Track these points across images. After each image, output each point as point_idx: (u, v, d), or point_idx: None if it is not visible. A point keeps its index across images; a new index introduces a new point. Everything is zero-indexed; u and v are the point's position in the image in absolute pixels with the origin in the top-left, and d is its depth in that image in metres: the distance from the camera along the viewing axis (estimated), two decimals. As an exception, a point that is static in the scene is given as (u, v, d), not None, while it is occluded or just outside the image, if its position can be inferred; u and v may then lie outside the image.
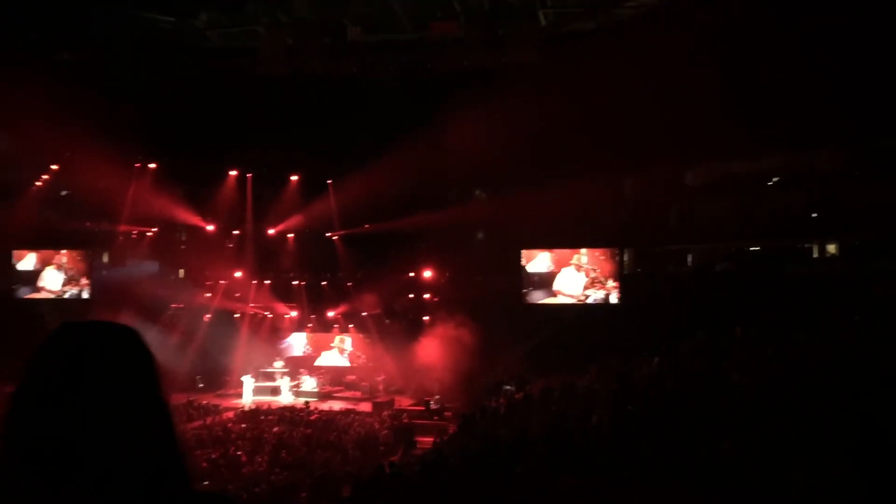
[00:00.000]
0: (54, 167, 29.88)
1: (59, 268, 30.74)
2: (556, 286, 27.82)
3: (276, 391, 28.84)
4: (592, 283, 27.53)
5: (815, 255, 27.29)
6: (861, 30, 17.84)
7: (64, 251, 30.81)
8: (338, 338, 32.97)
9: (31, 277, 30.84)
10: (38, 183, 30.08)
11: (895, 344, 10.34)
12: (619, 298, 27.31)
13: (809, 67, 18.24)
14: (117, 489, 1.36)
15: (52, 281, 30.71)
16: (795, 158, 25.88)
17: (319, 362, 32.32)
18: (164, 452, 1.45)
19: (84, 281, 30.62)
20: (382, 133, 25.89)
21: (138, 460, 1.39)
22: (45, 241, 30.70)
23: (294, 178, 32.20)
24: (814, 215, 26.16)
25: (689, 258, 29.94)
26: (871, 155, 24.12)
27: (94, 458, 1.36)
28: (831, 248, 26.87)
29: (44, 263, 30.92)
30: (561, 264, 28.09)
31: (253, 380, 28.61)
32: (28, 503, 1.34)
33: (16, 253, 31.34)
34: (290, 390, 28.97)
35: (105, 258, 32.35)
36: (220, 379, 30.18)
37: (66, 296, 30.45)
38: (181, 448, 1.49)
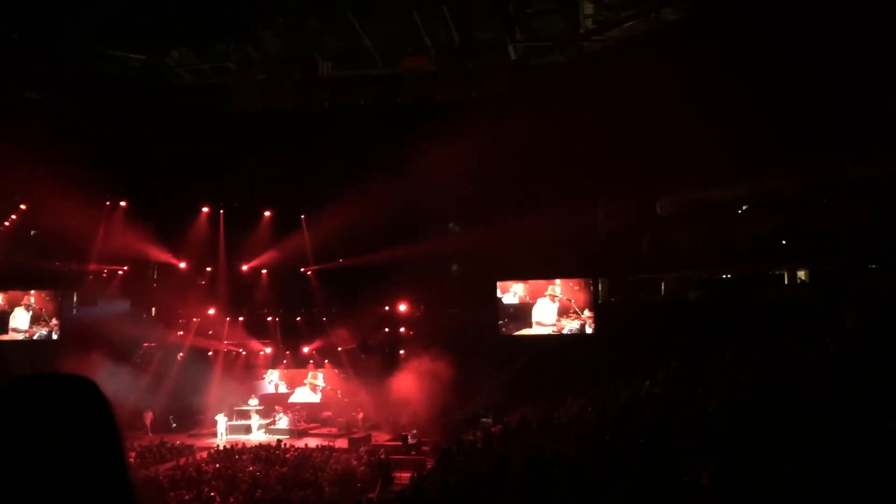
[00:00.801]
0: (23, 206, 29.53)
1: (28, 308, 30.25)
2: (534, 317, 27.86)
3: (249, 430, 28.49)
4: (567, 314, 27.60)
5: (786, 281, 27.61)
6: (826, 60, 18.26)
7: (32, 291, 30.35)
8: (310, 374, 32.72)
9: (1, 318, 30.31)
10: (6, 223, 29.68)
11: (866, 368, 10.45)
12: (595, 328, 27.39)
13: (776, 97, 18.61)
14: None
15: (22, 322, 30.22)
16: (764, 186, 26.29)
17: (293, 399, 32.02)
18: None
19: (54, 321, 30.13)
20: (355, 167, 25.97)
21: None
22: (13, 282, 30.22)
23: (267, 213, 32.12)
24: (783, 242, 26.50)
25: (663, 286, 30.16)
26: (837, 182, 24.56)
27: None
28: (801, 274, 27.21)
29: (11, 304, 30.42)
30: (536, 295, 28.17)
31: (226, 419, 28.23)
32: None
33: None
34: (259, 429, 28.60)
35: (75, 298, 31.87)
36: (193, 418, 29.74)
37: (36, 337, 29.93)
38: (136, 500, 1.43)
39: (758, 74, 18.35)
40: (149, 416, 28.06)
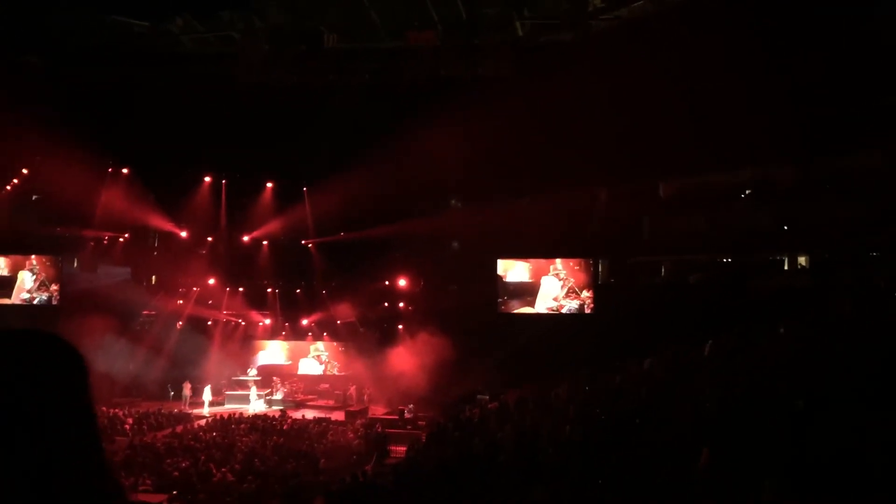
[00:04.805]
0: (25, 171, 29.45)
1: (33, 271, 30.26)
2: (540, 294, 27.87)
3: (246, 400, 28.64)
4: (567, 293, 27.66)
5: (786, 267, 27.64)
6: (825, 54, 18.20)
7: (33, 256, 30.33)
8: (312, 346, 32.91)
9: (4, 283, 30.32)
10: (7, 187, 29.63)
11: (849, 355, 10.51)
12: (593, 309, 27.44)
13: (782, 84, 18.55)
14: None
15: (29, 286, 30.23)
16: (767, 172, 26.25)
17: (299, 371, 32.31)
18: (85, 470, 1.38)
19: (54, 287, 30.17)
20: (358, 141, 25.86)
21: (56, 477, 1.31)
22: (14, 246, 30.20)
23: (269, 184, 32.06)
24: (784, 228, 26.51)
25: (663, 269, 30.18)
26: (838, 172, 24.57)
27: (10, 474, 1.29)
28: (802, 261, 27.23)
29: (15, 269, 30.41)
30: (539, 274, 28.20)
31: (211, 392, 28.30)
32: None
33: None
34: (258, 399, 28.74)
35: (75, 263, 31.87)
36: (192, 387, 29.91)
37: (36, 302, 29.98)
38: (105, 466, 1.41)
39: (762, 65, 18.28)
40: (187, 387, 28.25)
